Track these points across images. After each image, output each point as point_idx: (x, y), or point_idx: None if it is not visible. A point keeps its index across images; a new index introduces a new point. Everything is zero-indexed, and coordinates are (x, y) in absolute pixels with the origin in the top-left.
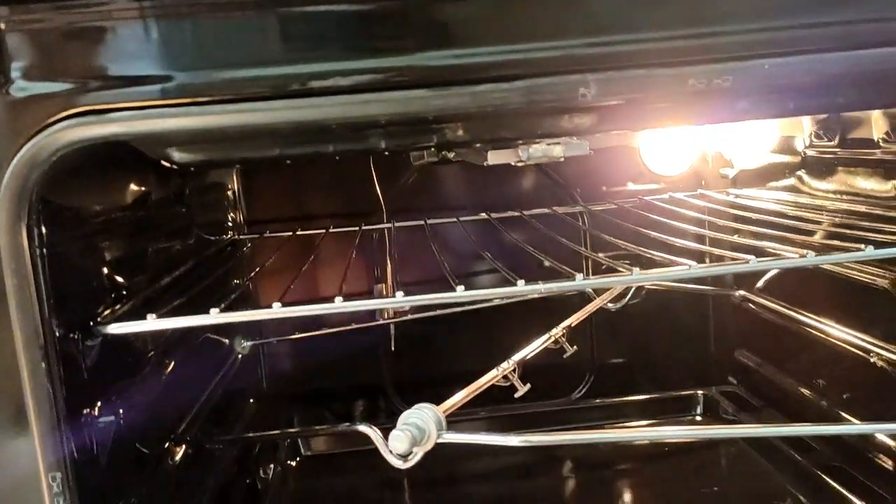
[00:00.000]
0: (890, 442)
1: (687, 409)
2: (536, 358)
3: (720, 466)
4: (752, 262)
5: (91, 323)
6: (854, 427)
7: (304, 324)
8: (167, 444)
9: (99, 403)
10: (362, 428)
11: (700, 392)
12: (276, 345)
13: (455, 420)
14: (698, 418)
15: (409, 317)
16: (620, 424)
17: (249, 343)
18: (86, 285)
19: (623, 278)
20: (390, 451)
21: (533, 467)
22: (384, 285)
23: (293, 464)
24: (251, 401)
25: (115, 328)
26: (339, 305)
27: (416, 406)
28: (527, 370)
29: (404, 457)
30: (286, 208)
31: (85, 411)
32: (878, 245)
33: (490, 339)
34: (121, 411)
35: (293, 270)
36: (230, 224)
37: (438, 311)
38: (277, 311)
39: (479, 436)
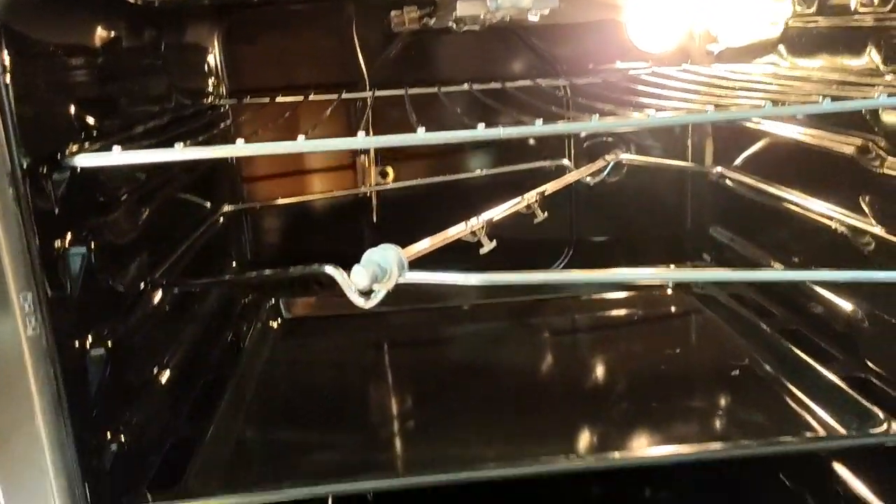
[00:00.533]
0: (843, 305)
1: (661, 283)
2: (516, 231)
3: (687, 333)
4: (710, 113)
5: (59, 156)
6: (795, 274)
7: (287, 191)
8: (142, 286)
9: (69, 236)
10: (327, 268)
11: (674, 267)
12: (260, 215)
13: None
14: (670, 292)
15: (391, 185)
16: (598, 294)
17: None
18: (54, 119)
19: (583, 125)
20: (352, 289)
21: (509, 333)
22: (366, 156)
23: (274, 325)
24: (233, 264)
25: (82, 160)
26: (303, 144)
27: (381, 246)
28: (506, 243)
29: (366, 295)
30: (269, 78)
31: (56, 243)
32: (836, 99)
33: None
34: (92, 245)
35: (272, 134)
36: (210, 90)
37: (419, 181)
38: (241, 147)
39: (438, 274)
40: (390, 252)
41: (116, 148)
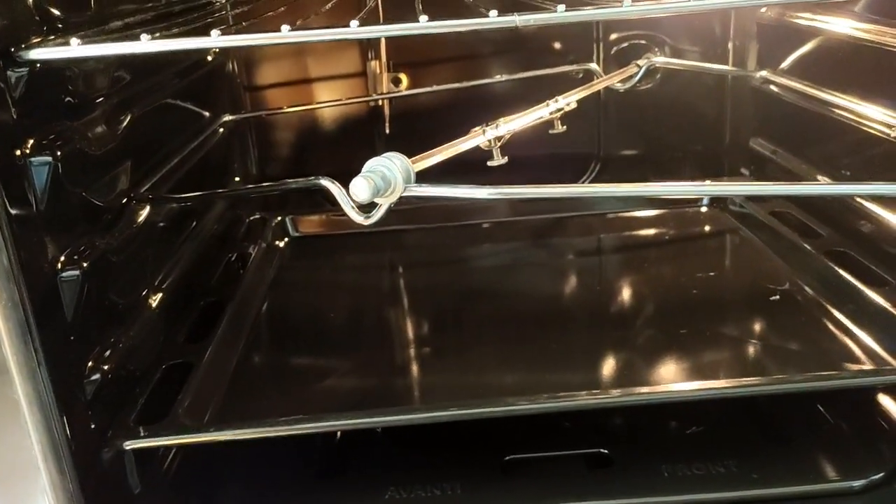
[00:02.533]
0: None
1: (694, 199)
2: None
3: (721, 254)
4: None
5: (13, 49)
6: (846, 187)
7: (293, 101)
8: (125, 201)
9: (31, 142)
10: (323, 182)
11: (710, 182)
12: (265, 128)
13: None
14: (704, 209)
15: (403, 92)
16: (625, 212)
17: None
18: (10, 8)
19: (613, 10)
20: (351, 205)
21: (531, 254)
22: (377, 62)
23: (280, 244)
24: (236, 179)
25: (38, 53)
26: (287, 35)
27: (385, 154)
28: (527, 160)
29: (367, 211)
30: None
31: (16, 152)
32: None
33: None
34: (59, 154)
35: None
36: None
37: (433, 88)
38: (216, 39)
39: (446, 188)
40: (395, 161)
41: (75, 41)
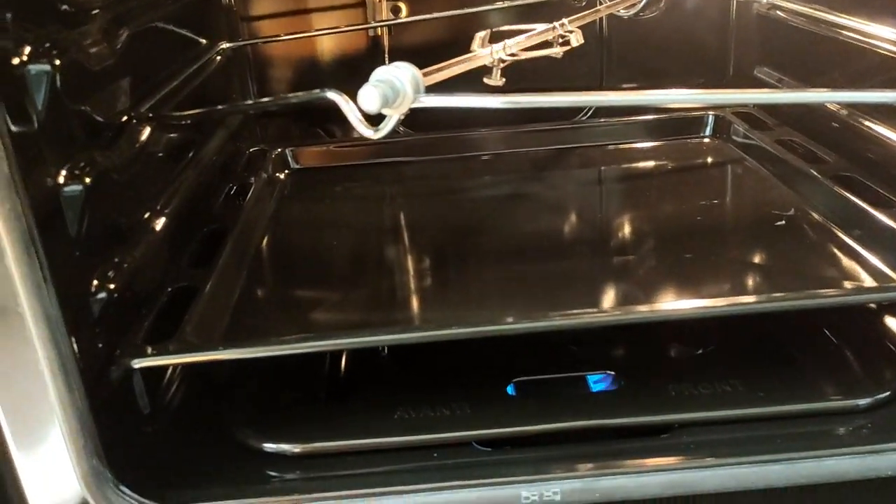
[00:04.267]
0: None
1: (696, 130)
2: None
3: (725, 183)
4: None
5: None
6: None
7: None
8: (124, 119)
9: (27, 49)
10: (329, 94)
11: (711, 112)
12: (263, 58)
13: None
14: (706, 140)
15: (403, 20)
16: (626, 143)
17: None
18: None
19: None
20: (359, 117)
21: (531, 185)
22: None
23: (281, 176)
24: None
25: None
26: None
27: (393, 64)
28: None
29: (375, 123)
30: None
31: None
32: None
33: None
34: (57, 63)
35: None
36: None
37: (432, 16)
38: None
39: (458, 97)
40: (404, 70)
41: None
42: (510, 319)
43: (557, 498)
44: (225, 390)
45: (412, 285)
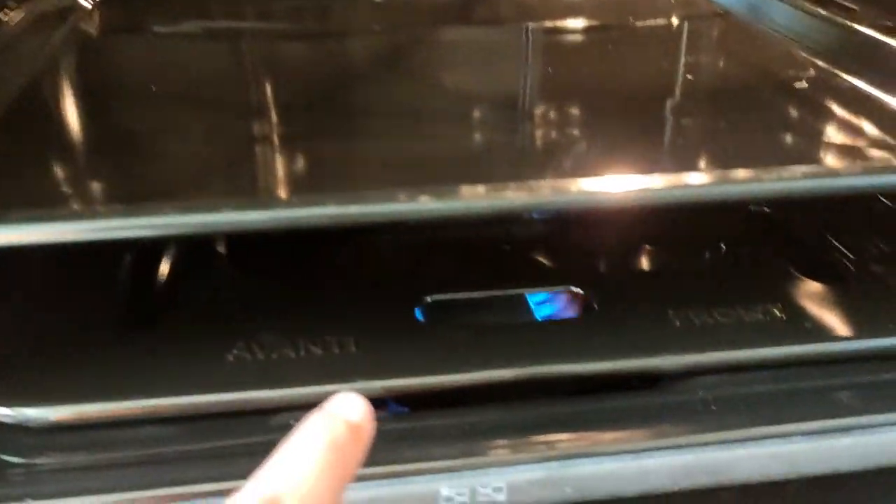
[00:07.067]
0: None
1: None
2: None
3: (714, 44)
4: None
5: None
6: None
7: None
8: None
9: None
10: None
11: None
12: None
13: None
14: None
15: None
16: None
17: None
18: None
19: None
20: None
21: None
22: None
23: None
24: None
25: None
26: None
27: None
28: None
29: None
30: None
31: None
32: None
33: None
34: None
35: None
36: None
37: None
38: None
39: None
40: None
41: None
42: (402, 197)
43: (501, 498)
44: None
45: (265, 160)
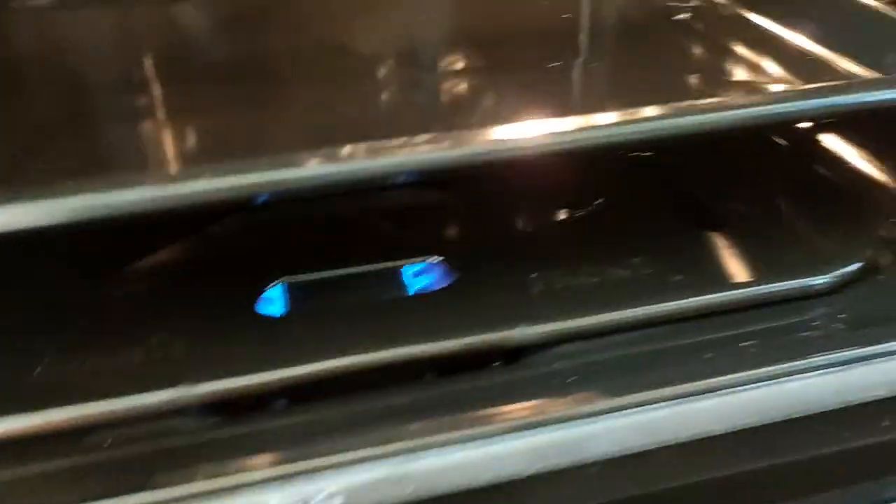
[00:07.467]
0: None
1: None
2: None
3: None
4: None
5: None
6: None
7: None
8: None
9: None
10: None
11: None
12: None
13: None
14: None
15: None
16: None
17: None
18: None
19: None
20: None
21: None
22: None
23: None
24: None
25: None
26: None
27: None
28: None
29: None
30: None
31: None
32: None
33: None
34: None
35: None
36: None
37: None
38: None
39: None
40: None
41: None
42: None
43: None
44: None
45: (166, 121)
